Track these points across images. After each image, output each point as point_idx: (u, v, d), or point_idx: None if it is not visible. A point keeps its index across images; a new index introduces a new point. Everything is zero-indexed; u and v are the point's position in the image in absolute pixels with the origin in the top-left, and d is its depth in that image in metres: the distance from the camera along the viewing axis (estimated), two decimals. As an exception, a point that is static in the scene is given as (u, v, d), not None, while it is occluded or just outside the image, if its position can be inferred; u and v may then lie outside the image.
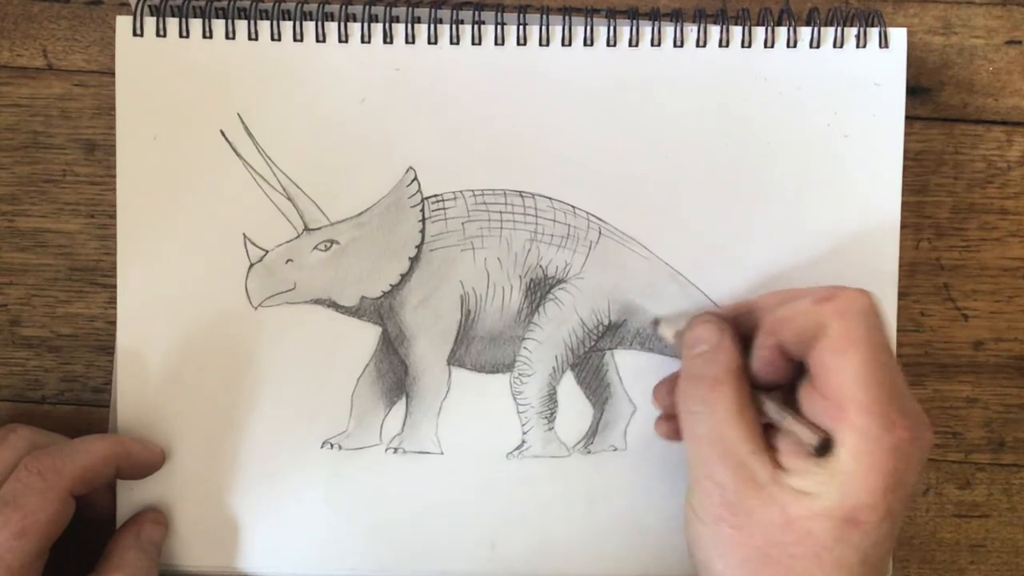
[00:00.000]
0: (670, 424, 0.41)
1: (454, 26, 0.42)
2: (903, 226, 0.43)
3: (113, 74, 0.43)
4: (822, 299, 0.36)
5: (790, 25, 0.43)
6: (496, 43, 0.43)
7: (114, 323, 0.43)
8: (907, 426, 0.34)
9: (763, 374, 0.38)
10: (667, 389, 0.42)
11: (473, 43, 0.43)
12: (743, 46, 0.43)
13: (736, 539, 0.35)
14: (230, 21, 0.42)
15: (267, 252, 0.43)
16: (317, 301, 0.43)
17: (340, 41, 0.43)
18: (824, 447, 0.35)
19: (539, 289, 0.43)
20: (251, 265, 0.43)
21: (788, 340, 0.37)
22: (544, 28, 0.42)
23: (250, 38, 0.43)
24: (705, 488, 0.36)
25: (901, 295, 0.43)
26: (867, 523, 0.34)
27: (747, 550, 0.35)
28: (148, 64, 0.42)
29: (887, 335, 0.36)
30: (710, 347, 0.38)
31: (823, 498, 0.34)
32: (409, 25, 0.43)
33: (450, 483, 0.43)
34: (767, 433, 0.37)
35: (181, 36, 0.42)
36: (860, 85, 0.43)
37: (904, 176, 0.43)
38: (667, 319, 0.42)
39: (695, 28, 0.42)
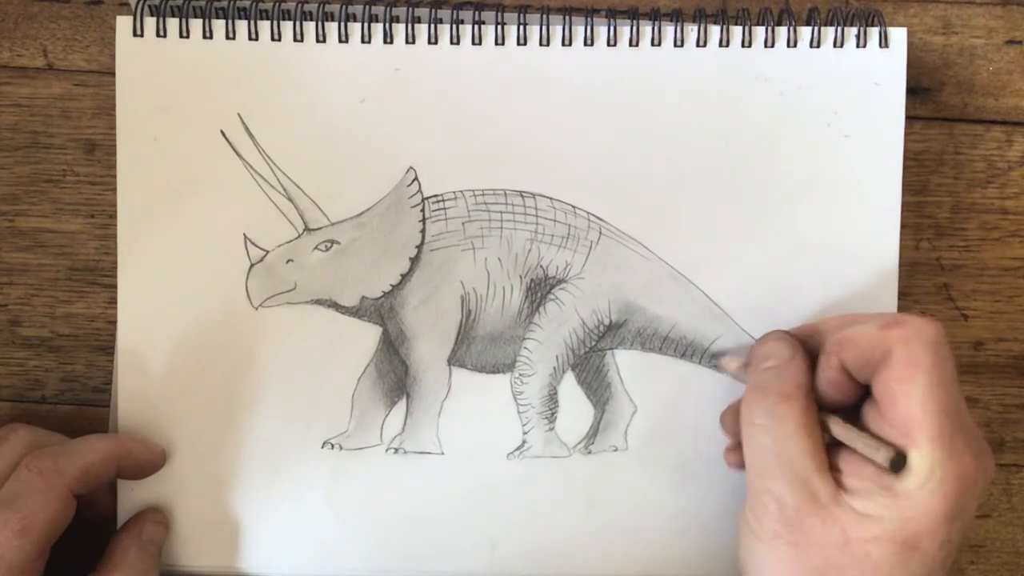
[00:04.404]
0: (739, 453, 0.40)
1: (454, 26, 0.42)
2: (903, 226, 0.43)
3: (113, 74, 0.43)
4: (888, 325, 0.35)
5: (790, 25, 0.43)
6: (496, 43, 0.43)
7: (114, 323, 0.43)
8: (972, 455, 0.34)
9: (828, 395, 0.37)
10: (734, 416, 0.40)
11: (473, 43, 0.43)
12: (743, 46, 0.43)
13: (792, 557, 0.35)
14: (230, 21, 0.42)
15: (268, 252, 0.43)
16: (317, 301, 0.43)
17: (340, 41, 0.43)
18: (898, 463, 0.34)
19: (540, 289, 0.43)
20: (251, 265, 0.43)
21: (851, 362, 0.36)
22: (544, 28, 0.42)
23: (250, 38, 0.43)
24: (763, 503, 0.36)
25: (901, 295, 0.43)
26: (926, 550, 0.34)
27: (802, 569, 0.35)
28: (148, 64, 0.42)
29: (953, 366, 0.35)
30: (781, 362, 0.38)
31: (884, 521, 0.34)
32: (409, 25, 0.42)
33: (450, 483, 0.43)
34: (830, 453, 0.36)
35: (181, 36, 0.42)
36: (860, 85, 0.43)
37: (904, 176, 0.43)
38: (730, 352, 0.42)
39: (695, 28, 0.42)
